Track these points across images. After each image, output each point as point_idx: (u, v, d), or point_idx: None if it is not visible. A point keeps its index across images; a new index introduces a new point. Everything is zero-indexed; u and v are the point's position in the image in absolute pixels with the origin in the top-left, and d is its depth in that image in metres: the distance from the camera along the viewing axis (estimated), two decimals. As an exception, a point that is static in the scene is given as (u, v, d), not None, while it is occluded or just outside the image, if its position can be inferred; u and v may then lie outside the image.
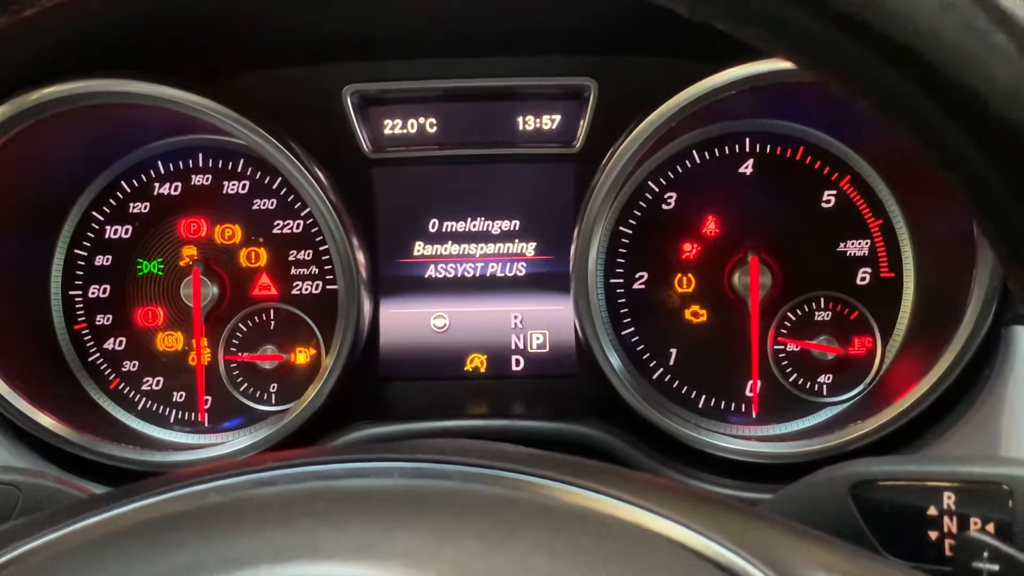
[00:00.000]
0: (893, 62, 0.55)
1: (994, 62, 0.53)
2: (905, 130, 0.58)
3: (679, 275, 1.73)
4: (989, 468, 0.93)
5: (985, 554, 0.82)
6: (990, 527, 0.90)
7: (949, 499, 0.93)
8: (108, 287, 1.76)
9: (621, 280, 1.74)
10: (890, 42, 0.54)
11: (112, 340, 1.77)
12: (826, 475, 1.01)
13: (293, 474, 0.75)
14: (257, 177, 1.75)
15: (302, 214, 1.74)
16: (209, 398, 1.76)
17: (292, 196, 1.73)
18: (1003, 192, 0.55)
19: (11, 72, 1.50)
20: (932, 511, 0.93)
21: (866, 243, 1.70)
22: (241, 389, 1.77)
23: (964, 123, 0.55)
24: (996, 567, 0.81)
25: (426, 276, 1.77)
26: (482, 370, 1.78)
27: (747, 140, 1.72)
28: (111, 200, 1.75)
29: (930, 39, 0.54)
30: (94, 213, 1.75)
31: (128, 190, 1.75)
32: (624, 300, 1.74)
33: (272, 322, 1.76)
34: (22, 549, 0.73)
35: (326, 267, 1.75)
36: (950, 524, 0.93)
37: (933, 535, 0.93)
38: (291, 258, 1.76)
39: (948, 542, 0.92)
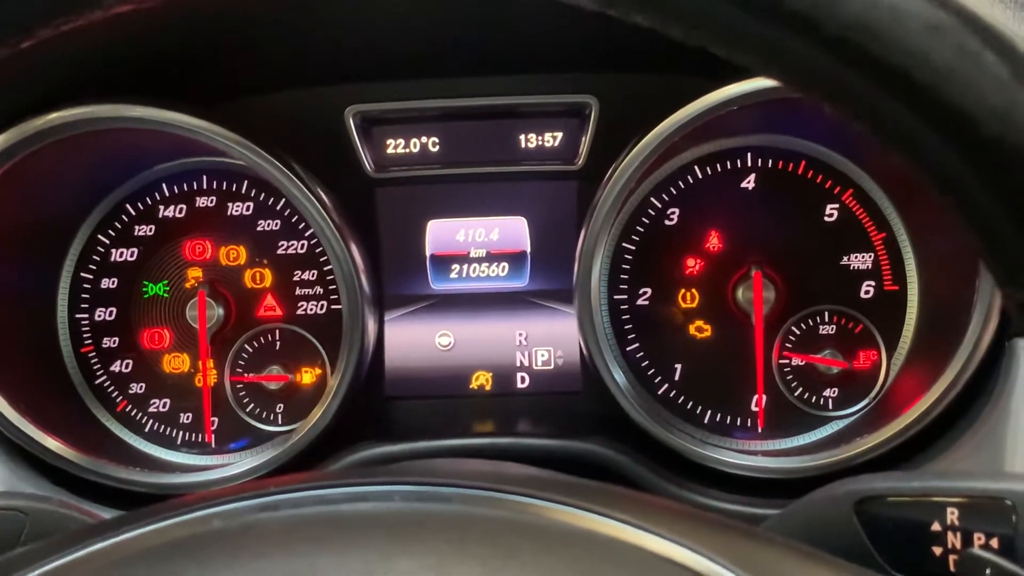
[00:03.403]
0: (885, 85, 0.55)
1: (985, 83, 0.54)
2: (899, 152, 0.58)
3: (683, 291, 1.74)
4: (992, 484, 0.93)
5: (988, 571, 0.82)
6: (994, 542, 0.90)
7: (952, 515, 0.93)
8: (114, 310, 1.77)
9: (625, 296, 1.74)
10: (881, 65, 0.54)
11: (119, 362, 1.77)
12: (830, 492, 1.01)
13: (295, 499, 0.76)
14: (261, 198, 1.76)
15: (306, 235, 1.75)
16: (216, 419, 1.77)
17: (296, 217, 1.74)
18: (997, 213, 0.56)
19: (15, 98, 1.51)
20: (936, 527, 0.93)
21: (869, 256, 1.70)
22: (247, 410, 1.77)
23: (957, 145, 0.55)
24: (999, 583, 0.81)
25: (430, 295, 1.78)
26: (487, 388, 1.79)
27: (749, 155, 1.72)
28: (116, 223, 1.76)
29: (921, 61, 0.54)
30: (100, 236, 1.76)
31: (133, 213, 1.76)
32: (628, 316, 1.74)
33: (277, 342, 1.77)
34: (28, 577, 0.73)
35: (330, 287, 1.75)
36: (954, 539, 0.93)
37: (937, 551, 0.93)
38: (296, 278, 1.76)
39: (952, 557, 0.92)
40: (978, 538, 0.91)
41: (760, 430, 1.72)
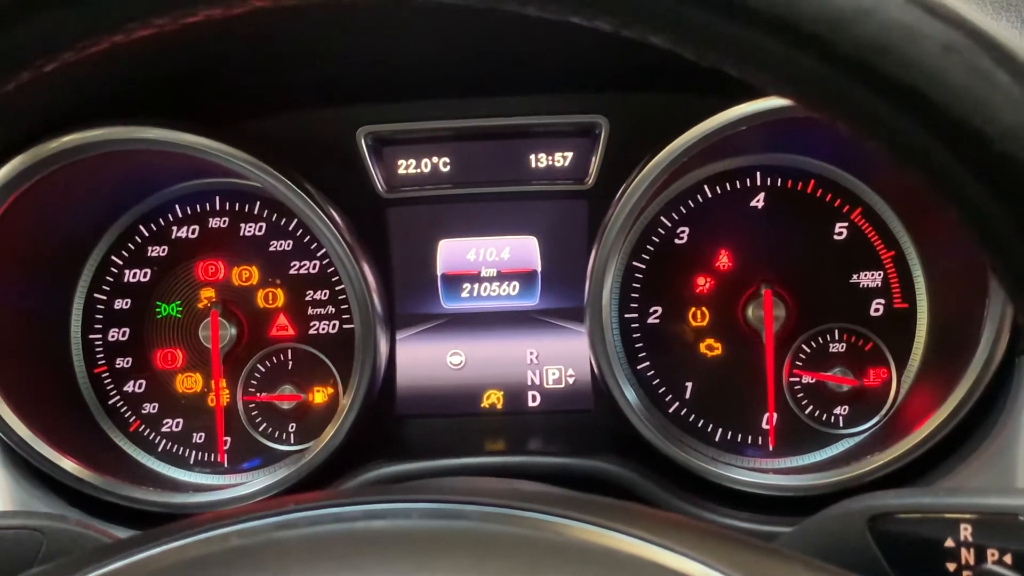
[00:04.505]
0: (898, 104, 0.56)
1: (998, 102, 0.54)
2: (912, 169, 0.59)
3: (693, 309, 1.74)
4: (1004, 500, 0.93)
5: (1003, 586, 0.82)
6: (1007, 558, 0.91)
7: (966, 531, 0.93)
8: (127, 330, 1.78)
9: (635, 315, 1.74)
10: (895, 85, 0.55)
11: (132, 383, 1.78)
12: (843, 508, 1.01)
13: (314, 516, 0.76)
14: (273, 219, 1.76)
15: (318, 255, 1.76)
16: (228, 439, 1.77)
17: (308, 237, 1.75)
18: (1009, 229, 0.56)
19: (29, 121, 1.52)
20: (949, 543, 0.93)
21: (879, 274, 1.71)
22: (260, 429, 1.77)
23: (970, 163, 0.56)
24: (1014, 599, 0.81)
25: (442, 314, 1.79)
26: (499, 406, 1.79)
27: (758, 174, 1.72)
28: (129, 244, 1.77)
29: (934, 81, 0.54)
30: (113, 257, 1.77)
31: (146, 234, 1.77)
32: (639, 334, 1.74)
33: (290, 362, 1.77)
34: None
35: (343, 307, 1.76)
36: (967, 556, 0.93)
37: (951, 567, 0.93)
38: (308, 298, 1.77)
39: (966, 573, 0.92)
40: (992, 554, 0.91)
41: (771, 448, 1.72)
